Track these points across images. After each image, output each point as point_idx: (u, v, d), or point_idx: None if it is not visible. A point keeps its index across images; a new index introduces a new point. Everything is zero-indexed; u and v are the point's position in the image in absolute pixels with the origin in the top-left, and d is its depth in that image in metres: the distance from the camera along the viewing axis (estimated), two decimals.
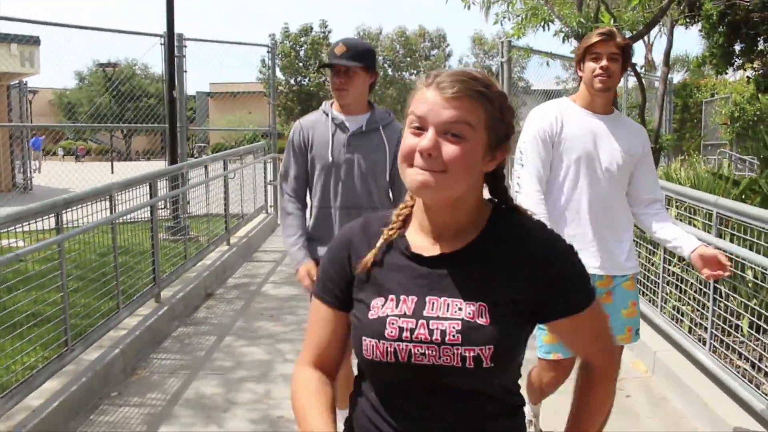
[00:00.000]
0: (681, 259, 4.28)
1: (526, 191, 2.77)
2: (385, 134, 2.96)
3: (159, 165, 9.44)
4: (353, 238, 1.42)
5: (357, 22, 74.30)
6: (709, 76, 19.58)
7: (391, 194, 3.04)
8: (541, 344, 2.88)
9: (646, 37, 15.83)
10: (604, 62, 2.73)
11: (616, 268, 2.83)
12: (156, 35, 9.46)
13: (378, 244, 1.37)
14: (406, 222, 1.40)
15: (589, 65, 2.77)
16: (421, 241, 1.36)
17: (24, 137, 16.39)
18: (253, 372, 4.51)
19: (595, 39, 2.77)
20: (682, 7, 8.95)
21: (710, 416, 3.61)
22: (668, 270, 4.66)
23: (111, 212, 4.77)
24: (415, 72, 42.24)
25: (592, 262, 2.75)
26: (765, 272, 3.62)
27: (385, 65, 41.36)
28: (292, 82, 39.66)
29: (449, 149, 1.24)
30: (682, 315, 4.44)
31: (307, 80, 39.77)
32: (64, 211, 4.09)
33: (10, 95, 16.89)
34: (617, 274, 2.84)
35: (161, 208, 6.85)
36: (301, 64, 40.27)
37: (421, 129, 1.26)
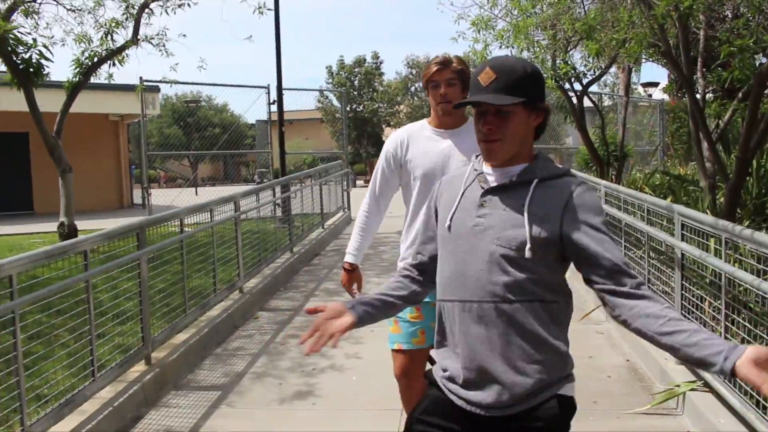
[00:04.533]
0: None
1: (363, 202, 3.22)
2: (548, 191, 1.80)
3: (226, 190, 13.05)
4: None
5: (406, 51, 78.57)
6: None
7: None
8: (389, 336, 3.04)
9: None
10: (442, 89, 2.90)
11: None
12: (262, 87, 13.45)
13: None
14: None
15: (432, 93, 2.96)
16: None
17: (144, 164, 20.60)
18: None
19: (432, 69, 2.91)
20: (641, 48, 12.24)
21: None
22: None
23: (274, 193, 8.53)
24: None
25: None
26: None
27: None
28: (347, 109, 43.72)
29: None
30: None
31: (361, 107, 43.98)
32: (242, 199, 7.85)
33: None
34: None
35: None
36: (355, 93, 44.55)
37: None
